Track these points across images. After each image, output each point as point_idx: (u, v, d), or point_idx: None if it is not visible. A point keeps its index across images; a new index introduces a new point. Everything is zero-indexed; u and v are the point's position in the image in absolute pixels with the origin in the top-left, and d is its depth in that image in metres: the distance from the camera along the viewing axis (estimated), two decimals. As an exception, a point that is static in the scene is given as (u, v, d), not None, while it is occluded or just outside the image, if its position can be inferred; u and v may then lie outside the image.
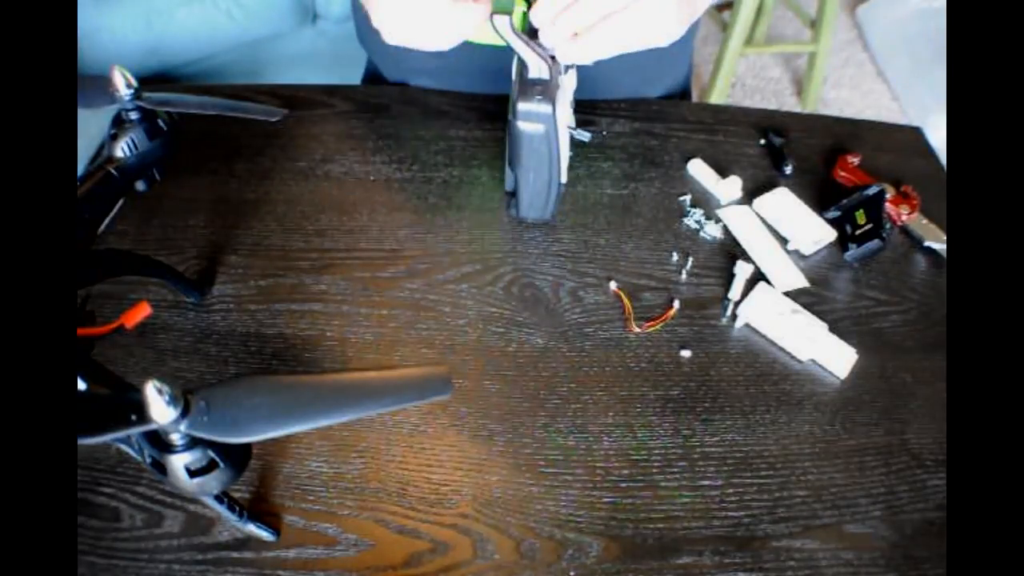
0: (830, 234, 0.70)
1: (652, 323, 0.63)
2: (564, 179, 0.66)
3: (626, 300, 0.64)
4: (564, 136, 0.63)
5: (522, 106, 0.59)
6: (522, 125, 0.60)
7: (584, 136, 0.66)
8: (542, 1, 0.55)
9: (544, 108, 0.59)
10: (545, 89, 0.59)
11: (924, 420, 0.58)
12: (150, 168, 0.57)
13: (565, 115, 0.63)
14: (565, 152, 0.65)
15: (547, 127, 0.60)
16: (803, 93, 2.15)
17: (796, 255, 0.69)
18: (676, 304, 0.64)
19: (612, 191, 0.74)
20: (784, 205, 0.72)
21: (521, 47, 0.58)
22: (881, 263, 0.69)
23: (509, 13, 0.56)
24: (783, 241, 0.70)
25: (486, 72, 0.82)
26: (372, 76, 0.97)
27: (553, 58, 0.59)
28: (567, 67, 0.65)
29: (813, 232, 0.70)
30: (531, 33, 0.59)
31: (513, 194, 0.70)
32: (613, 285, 0.65)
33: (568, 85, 0.66)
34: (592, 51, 0.56)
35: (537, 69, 0.59)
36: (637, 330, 0.62)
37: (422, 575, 0.49)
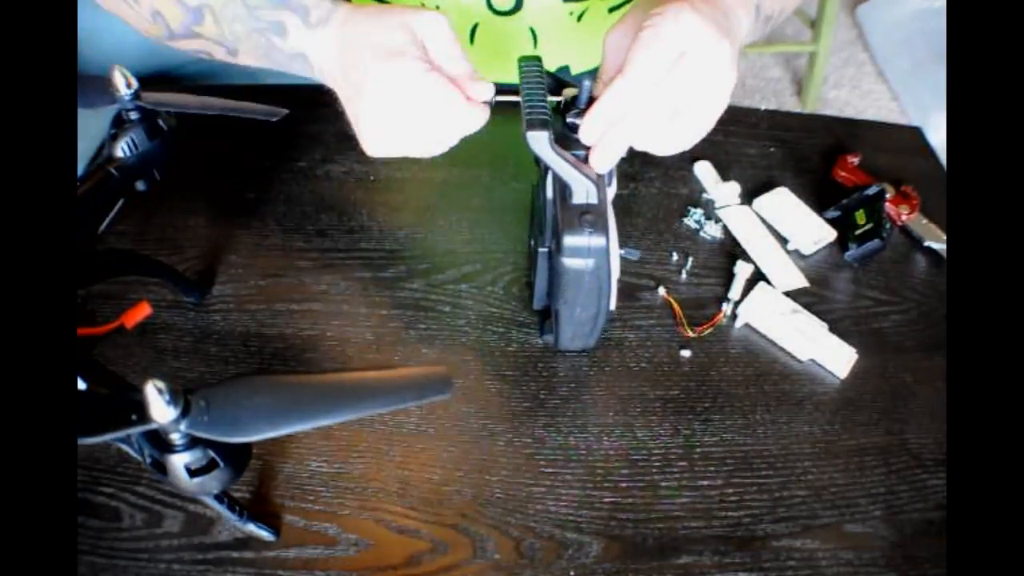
0: (830, 234, 0.70)
1: (703, 327, 0.63)
2: (614, 306, 0.55)
3: (676, 306, 0.64)
4: (615, 261, 0.53)
5: (570, 240, 0.50)
6: (570, 262, 0.51)
7: (633, 255, 0.61)
8: (592, 116, 0.48)
9: (597, 241, 0.50)
10: (596, 218, 0.49)
11: (924, 420, 0.58)
12: (150, 168, 0.57)
13: (614, 236, 0.53)
14: (615, 275, 0.54)
15: (599, 261, 0.51)
16: (803, 93, 2.15)
17: (796, 255, 0.69)
18: (726, 308, 0.64)
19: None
20: (784, 205, 0.72)
21: (565, 169, 0.49)
22: (881, 263, 0.69)
23: (549, 130, 0.47)
24: (783, 241, 0.70)
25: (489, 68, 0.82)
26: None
27: (599, 175, 0.51)
28: (610, 175, 0.55)
29: (813, 232, 0.70)
30: (563, 141, 0.50)
31: (545, 315, 0.60)
32: (662, 291, 0.65)
33: (611, 194, 0.56)
34: (662, 152, 0.51)
35: (584, 193, 0.50)
36: (691, 334, 0.62)
37: (422, 575, 0.49)
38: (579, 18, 0.72)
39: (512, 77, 0.71)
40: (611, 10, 0.73)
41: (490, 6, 0.70)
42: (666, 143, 0.51)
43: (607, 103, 0.48)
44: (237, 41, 0.57)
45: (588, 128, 0.49)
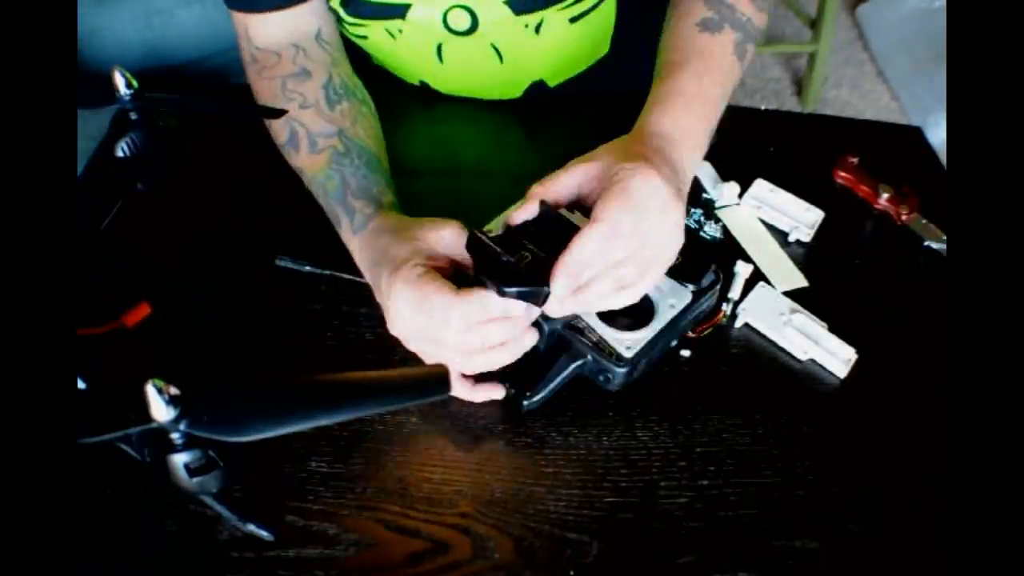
0: (819, 214, 0.71)
1: (703, 328, 0.62)
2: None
3: None
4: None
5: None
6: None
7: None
8: (567, 261, 0.49)
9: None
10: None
11: (924, 420, 0.58)
12: (150, 168, 0.57)
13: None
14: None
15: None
16: (803, 93, 2.15)
17: (797, 245, 0.70)
18: (726, 308, 0.64)
19: (612, 191, 0.74)
20: (769, 196, 0.72)
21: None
22: (881, 263, 0.69)
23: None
24: (782, 236, 0.70)
25: (449, 108, 0.83)
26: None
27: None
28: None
29: (804, 216, 0.71)
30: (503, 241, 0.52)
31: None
32: None
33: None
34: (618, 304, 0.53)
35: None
36: (691, 335, 0.62)
37: (422, 575, 0.49)
38: (536, 30, 0.72)
39: (484, 93, 0.72)
40: (572, 20, 0.73)
41: (448, 27, 0.70)
42: (624, 295, 0.52)
43: (581, 247, 0.49)
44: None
45: (563, 274, 0.49)
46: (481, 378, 0.56)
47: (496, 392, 0.56)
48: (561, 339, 0.56)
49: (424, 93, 0.82)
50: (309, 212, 0.71)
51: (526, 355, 0.54)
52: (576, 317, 0.55)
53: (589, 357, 0.55)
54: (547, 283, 0.50)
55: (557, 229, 0.52)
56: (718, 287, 0.59)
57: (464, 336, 0.52)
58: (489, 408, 0.58)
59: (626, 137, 0.57)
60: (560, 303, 0.51)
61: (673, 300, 0.57)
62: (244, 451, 0.45)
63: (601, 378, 0.55)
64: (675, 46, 0.63)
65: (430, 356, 0.55)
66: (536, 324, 0.54)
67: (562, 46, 0.76)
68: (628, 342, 0.54)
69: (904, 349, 0.63)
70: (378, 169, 0.64)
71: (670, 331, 0.56)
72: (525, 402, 0.55)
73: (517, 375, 0.55)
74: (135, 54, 1.34)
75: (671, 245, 0.53)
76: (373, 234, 0.59)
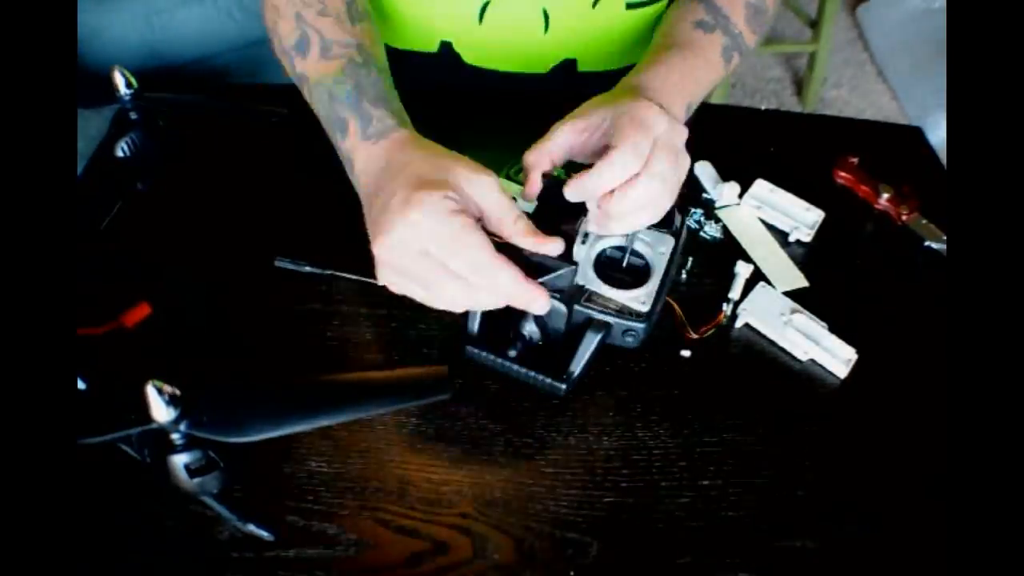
0: (819, 214, 0.71)
1: (705, 329, 0.63)
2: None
3: (677, 308, 0.64)
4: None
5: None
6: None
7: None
8: (574, 186, 0.53)
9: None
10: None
11: (924, 420, 0.58)
12: (150, 168, 0.57)
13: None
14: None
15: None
16: (803, 93, 2.15)
17: (797, 245, 0.70)
18: (727, 308, 0.64)
19: (612, 191, 0.74)
20: (769, 196, 0.72)
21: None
22: (881, 263, 0.69)
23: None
24: (783, 236, 0.70)
25: (464, 85, 0.82)
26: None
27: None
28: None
29: (804, 216, 0.71)
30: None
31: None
32: None
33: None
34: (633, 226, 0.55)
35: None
36: (694, 336, 0.62)
37: (422, 575, 0.49)
38: (594, 3, 0.72)
39: (512, 64, 0.71)
40: (629, 6, 0.73)
41: None
42: (656, 212, 0.55)
43: (611, 166, 0.51)
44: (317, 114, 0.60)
45: (581, 186, 0.52)
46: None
47: (554, 246, 0.53)
48: (579, 319, 0.57)
49: (437, 64, 0.80)
50: (309, 212, 0.71)
51: (552, 345, 0.58)
52: (587, 292, 0.58)
53: (612, 322, 0.57)
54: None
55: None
56: (684, 221, 0.61)
57: (475, 295, 0.49)
58: (489, 408, 0.58)
59: (611, 92, 0.58)
60: (600, 223, 0.54)
61: (662, 248, 0.61)
62: (244, 451, 0.46)
63: (629, 339, 0.58)
64: (668, 34, 0.66)
65: (403, 289, 0.51)
66: (554, 309, 0.55)
67: (610, 28, 0.75)
68: (641, 298, 0.58)
69: (904, 349, 0.63)
70: (395, 92, 0.59)
71: (667, 277, 0.60)
72: (564, 385, 0.57)
73: (547, 365, 0.57)
74: (135, 54, 1.34)
75: (684, 162, 0.56)
76: (394, 144, 0.54)
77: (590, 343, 0.57)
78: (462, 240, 0.48)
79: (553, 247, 0.52)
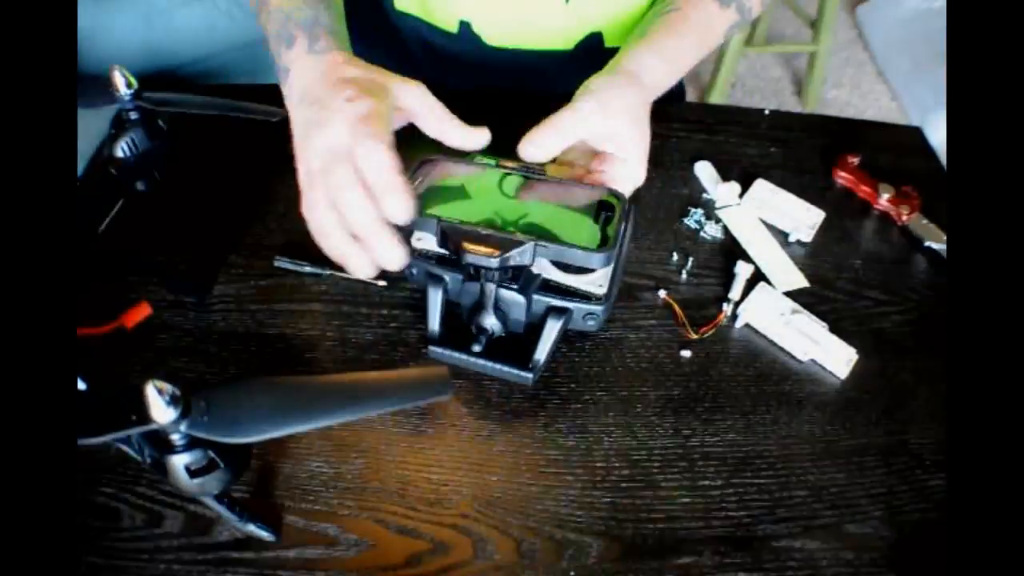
0: (819, 214, 0.71)
1: (705, 328, 0.63)
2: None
3: (677, 308, 0.64)
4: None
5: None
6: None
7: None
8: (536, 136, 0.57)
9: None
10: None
11: (924, 420, 0.58)
12: (150, 168, 0.57)
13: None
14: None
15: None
16: (803, 93, 2.15)
17: (797, 245, 0.70)
18: (727, 308, 0.64)
19: (612, 191, 0.74)
20: (769, 196, 0.72)
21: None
22: (881, 263, 0.69)
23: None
24: (783, 236, 0.70)
25: (488, 68, 0.81)
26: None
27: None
28: None
29: (805, 217, 0.71)
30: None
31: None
32: (662, 294, 0.65)
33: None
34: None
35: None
36: (694, 336, 0.62)
37: (422, 575, 0.49)
38: None
39: (534, 42, 0.76)
40: None
41: None
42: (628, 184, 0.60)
43: (624, 182, 0.60)
44: (264, 32, 0.61)
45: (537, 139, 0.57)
46: None
47: (480, 136, 0.58)
48: (539, 308, 0.58)
49: (457, 46, 0.79)
50: (309, 212, 0.71)
51: (513, 336, 0.59)
52: (544, 280, 0.58)
53: (570, 307, 0.58)
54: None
55: None
56: (625, 200, 0.59)
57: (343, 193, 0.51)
58: (489, 408, 0.58)
59: (606, 76, 0.62)
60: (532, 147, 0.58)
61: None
62: (244, 452, 0.46)
63: (590, 322, 0.59)
64: (687, 2, 0.67)
65: (315, 213, 0.53)
66: (513, 300, 0.57)
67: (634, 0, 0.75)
68: (598, 280, 0.58)
69: (904, 349, 0.63)
70: (346, 31, 0.62)
71: (620, 258, 0.60)
72: (530, 375, 0.57)
73: (512, 357, 0.57)
74: (135, 54, 1.34)
75: (645, 132, 0.61)
76: (334, 57, 0.56)
77: (552, 330, 0.57)
78: (378, 152, 0.50)
79: (480, 137, 0.58)
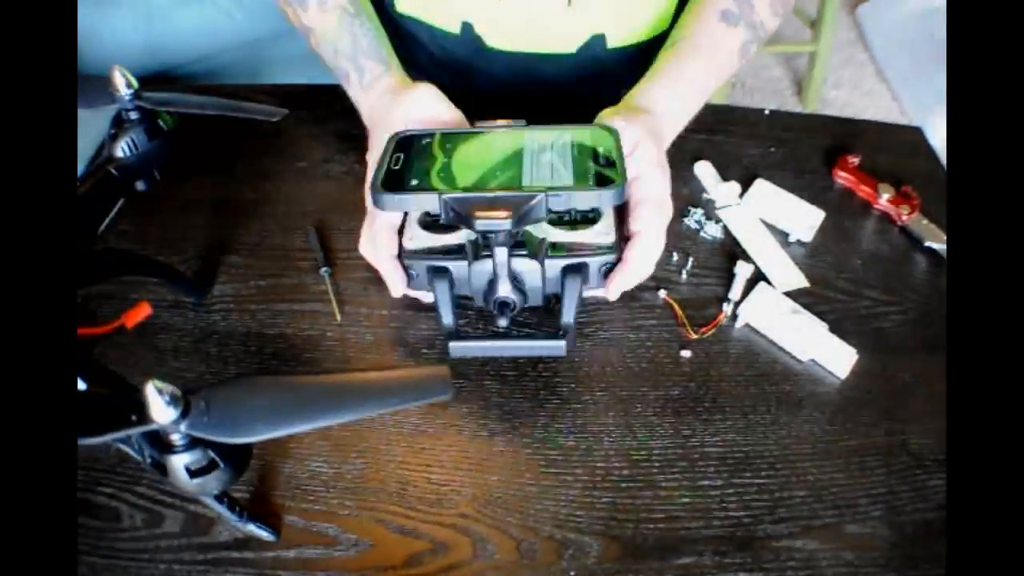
0: (819, 214, 0.71)
1: (706, 328, 0.63)
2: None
3: (677, 308, 0.64)
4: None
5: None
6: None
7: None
8: (618, 282, 0.59)
9: None
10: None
11: (924, 420, 0.58)
12: (150, 168, 0.57)
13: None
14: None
15: None
16: (803, 93, 2.15)
17: (797, 245, 0.70)
18: (727, 308, 0.64)
19: (612, 191, 0.74)
20: (769, 196, 0.72)
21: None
22: (881, 263, 0.69)
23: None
24: (783, 236, 0.70)
25: (490, 70, 0.81)
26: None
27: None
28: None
29: (805, 217, 0.71)
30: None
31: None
32: (662, 294, 0.65)
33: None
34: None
35: None
36: (694, 336, 0.62)
37: (422, 575, 0.49)
38: None
39: (537, 44, 0.77)
40: None
41: None
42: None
43: (636, 264, 0.58)
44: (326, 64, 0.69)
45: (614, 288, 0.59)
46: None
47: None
48: (554, 270, 0.56)
49: (459, 48, 0.80)
50: (309, 208, 0.71)
51: (530, 308, 0.59)
52: (550, 243, 0.57)
53: (587, 263, 0.57)
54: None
55: None
56: (617, 132, 0.57)
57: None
58: (489, 408, 0.58)
59: (619, 111, 0.62)
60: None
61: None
62: (244, 452, 0.46)
63: (606, 272, 0.58)
64: (692, 28, 0.68)
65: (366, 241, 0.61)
66: (526, 270, 0.56)
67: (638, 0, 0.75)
68: (604, 231, 0.58)
69: (904, 349, 0.63)
70: (382, 36, 0.68)
71: (620, 211, 0.60)
72: (563, 342, 0.54)
73: (538, 329, 0.58)
74: (135, 54, 1.34)
75: (665, 178, 0.60)
76: (381, 93, 0.64)
77: (572, 290, 0.55)
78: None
79: None
